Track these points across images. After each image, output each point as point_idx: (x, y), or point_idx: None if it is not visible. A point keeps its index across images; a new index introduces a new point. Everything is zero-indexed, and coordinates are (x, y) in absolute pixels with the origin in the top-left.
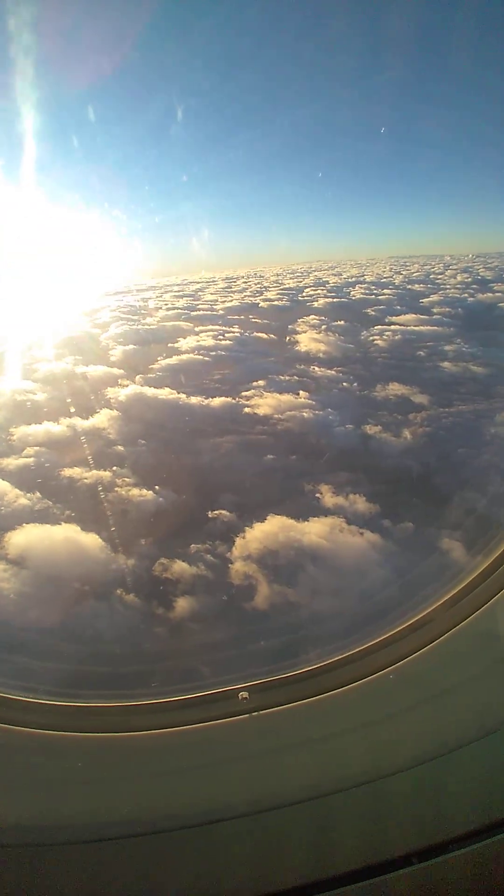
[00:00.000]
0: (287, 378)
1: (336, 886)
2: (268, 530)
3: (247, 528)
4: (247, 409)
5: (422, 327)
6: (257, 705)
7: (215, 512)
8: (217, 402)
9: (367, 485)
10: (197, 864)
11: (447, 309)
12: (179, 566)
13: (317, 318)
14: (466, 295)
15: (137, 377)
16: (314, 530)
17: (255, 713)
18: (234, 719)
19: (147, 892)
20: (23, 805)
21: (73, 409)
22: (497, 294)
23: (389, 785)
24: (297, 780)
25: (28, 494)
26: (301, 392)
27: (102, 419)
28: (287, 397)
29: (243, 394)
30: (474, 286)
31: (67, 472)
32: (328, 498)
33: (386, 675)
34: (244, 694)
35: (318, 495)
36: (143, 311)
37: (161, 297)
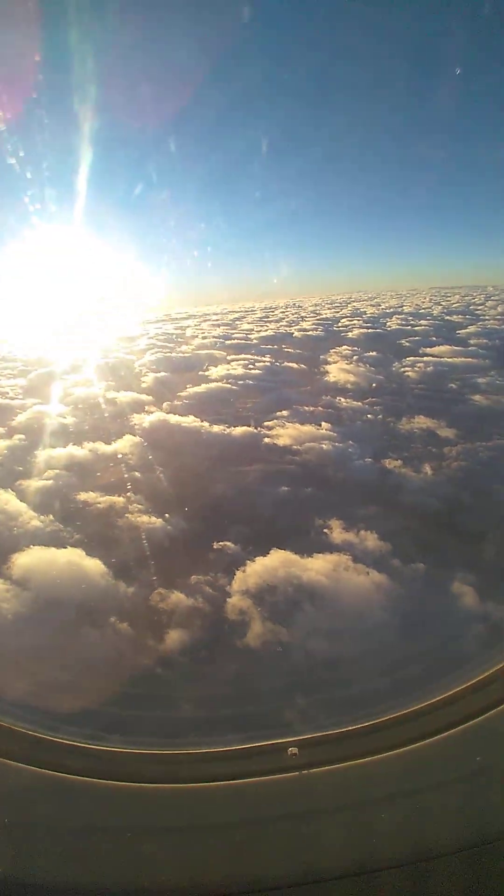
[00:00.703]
0: (311, 409)
1: None
2: (269, 564)
3: (248, 561)
4: (266, 440)
5: (456, 359)
6: (307, 762)
7: (221, 543)
8: (238, 431)
9: (380, 521)
10: None
11: (484, 340)
12: (177, 597)
13: (349, 348)
14: None
15: (164, 404)
16: (317, 567)
17: (305, 771)
18: (282, 777)
19: None
20: (38, 857)
21: (98, 434)
22: None
23: (439, 866)
24: (344, 850)
25: (41, 517)
26: (323, 423)
27: (125, 445)
28: (308, 428)
29: (266, 423)
30: None
31: (83, 495)
32: (337, 534)
33: (445, 739)
34: (294, 750)
35: (326, 530)
36: (179, 339)
37: (199, 325)
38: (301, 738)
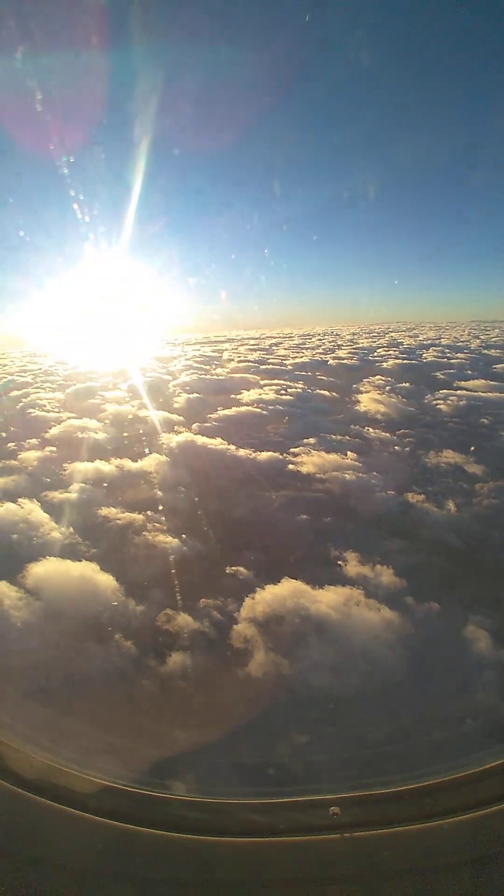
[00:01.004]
0: (339, 437)
1: None
2: (278, 593)
3: (258, 588)
4: (291, 466)
5: (490, 394)
6: (349, 822)
7: (234, 568)
8: (264, 456)
9: (397, 556)
10: None
11: None
12: (183, 619)
13: (383, 378)
14: None
15: (194, 425)
16: (327, 599)
17: (348, 834)
18: (323, 838)
19: None
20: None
21: (126, 451)
22: None
23: None
24: None
25: (62, 528)
26: (349, 453)
27: (151, 463)
28: (334, 457)
29: (291, 450)
30: None
31: (104, 511)
32: (352, 566)
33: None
34: (335, 809)
35: (341, 563)
36: (215, 362)
37: (236, 349)
38: (343, 796)
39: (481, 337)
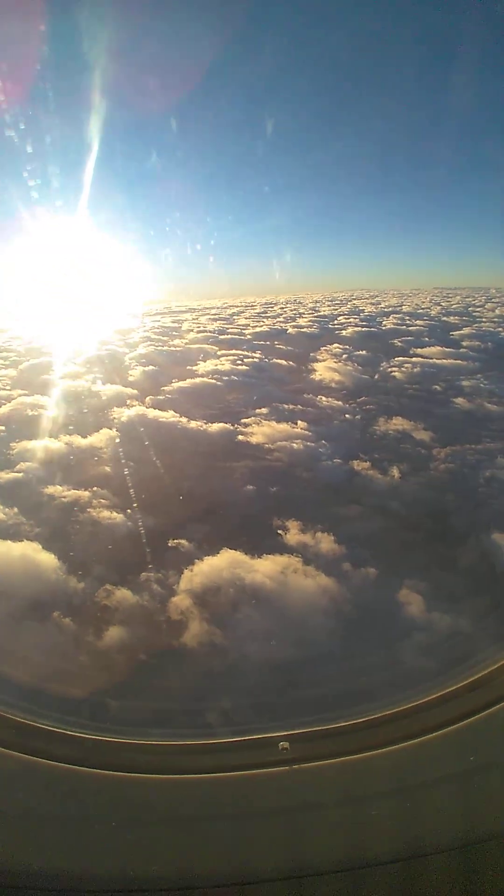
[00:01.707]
0: (291, 407)
1: None
2: (216, 564)
3: (196, 560)
4: (241, 437)
5: (445, 360)
6: (298, 756)
7: (176, 541)
8: (215, 427)
9: (339, 524)
10: None
11: (476, 343)
12: (122, 594)
13: (341, 346)
14: (501, 329)
15: (147, 398)
16: (264, 568)
17: (297, 766)
18: (272, 771)
19: None
20: (27, 842)
21: (76, 427)
22: None
23: (429, 864)
24: (333, 846)
25: (6, 509)
26: (300, 422)
27: (101, 438)
28: (284, 426)
29: (243, 420)
30: None
31: (50, 489)
32: (293, 535)
33: (438, 737)
34: (285, 744)
35: (281, 531)
36: (174, 333)
37: (197, 319)
38: (291, 732)
39: (442, 304)
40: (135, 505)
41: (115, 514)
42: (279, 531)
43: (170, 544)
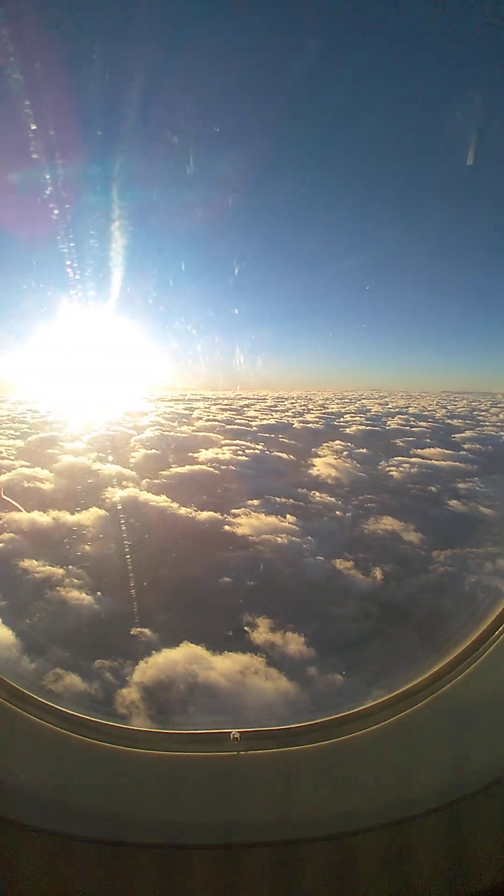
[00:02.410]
0: (284, 500)
1: None
2: (173, 658)
3: (153, 651)
4: (227, 527)
5: (444, 462)
6: (246, 746)
7: (139, 629)
8: (203, 515)
9: (312, 625)
10: (164, 881)
11: (477, 446)
12: (72, 679)
13: (342, 443)
14: (503, 433)
15: (144, 481)
16: (223, 666)
17: (244, 752)
18: (224, 754)
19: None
20: (36, 789)
21: (67, 503)
22: None
23: (359, 842)
24: (265, 820)
25: None
26: (289, 516)
27: (89, 517)
28: (272, 519)
29: (233, 511)
30: None
31: (26, 562)
32: (261, 633)
33: (362, 735)
34: (235, 734)
35: (246, 629)
36: (183, 420)
37: (208, 408)
38: (246, 729)
39: (448, 407)
40: (107, 587)
41: (84, 594)
42: (246, 628)
43: (132, 632)
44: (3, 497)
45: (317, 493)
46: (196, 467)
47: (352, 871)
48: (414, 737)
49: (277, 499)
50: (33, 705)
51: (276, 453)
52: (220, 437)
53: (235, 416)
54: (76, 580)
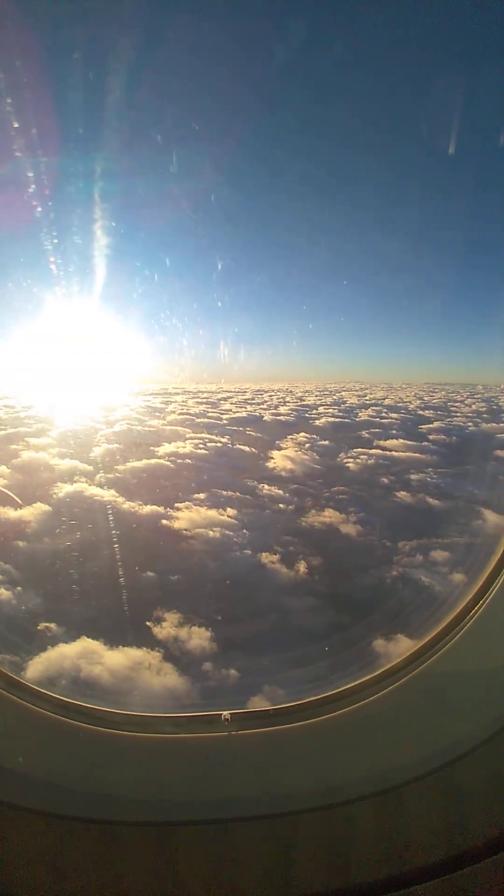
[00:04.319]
0: (230, 493)
1: None
2: (66, 653)
3: (49, 646)
4: (164, 522)
5: (403, 453)
6: (237, 727)
7: (47, 624)
8: (146, 510)
9: (220, 619)
10: (149, 860)
11: (442, 437)
12: None
13: (307, 435)
14: (471, 424)
15: (97, 476)
16: (114, 661)
17: (235, 732)
18: (216, 735)
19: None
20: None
21: (13, 499)
22: (502, 425)
23: (344, 812)
24: (256, 794)
25: None
26: (229, 509)
27: (33, 512)
28: (212, 513)
29: (177, 505)
30: (486, 415)
31: None
32: (165, 628)
33: (344, 714)
34: (226, 715)
35: (149, 623)
36: (157, 414)
37: (185, 402)
38: (236, 710)
39: (425, 398)
40: (28, 582)
41: (3, 590)
42: (147, 623)
43: (39, 627)
44: None
45: (265, 486)
46: (153, 461)
47: (341, 839)
48: (398, 711)
49: (224, 492)
50: (29, 693)
51: (238, 446)
52: (188, 430)
53: (209, 410)
54: (1, 576)
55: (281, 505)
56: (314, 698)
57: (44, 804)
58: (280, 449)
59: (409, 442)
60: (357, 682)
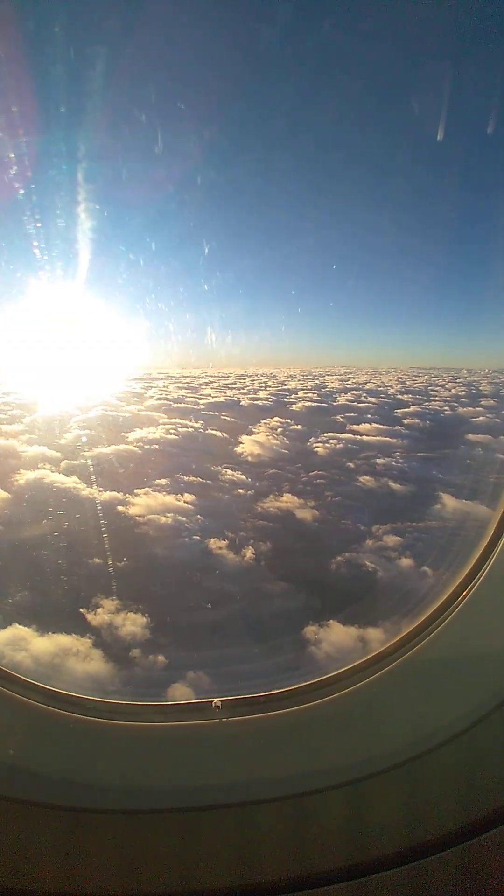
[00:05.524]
0: (192, 479)
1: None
2: None
3: None
4: (121, 507)
5: (374, 437)
6: (228, 714)
7: None
8: (105, 496)
9: (157, 607)
10: (128, 848)
11: (416, 421)
12: None
13: (280, 420)
14: (447, 408)
15: (63, 463)
16: (40, 648)
17: (225, 719)
18: (207, 722)
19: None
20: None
21: None
22: (478, 409)
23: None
24: (253, 781)
25: None
26: (185, 495)
27: None
28: (170, 499)
29: (136, 491)
30: (464, 399)
31: None
32: (101, 614)
33: (335, 699)
34: (217, 703)
35: (82, 610)
36: (135, 399)
37: (167, 387)
38: (227, 697)
39: (406, 382)
40: None
41: None
42: (82, 609)
43: None
44: None
45: (228, 472)
46: (121, 447)
47: (335, 823)
48: (389, 696)
49: (186, 477)
50: (18, 684)
51: (210, 431)
52: (163, 415)
53: (188, 395)
54: None
55: (241, 490)
56: (305, 684)
57: (32, 794)
58: (251, 434)
59: (381, 426)
60: (347, 668)
